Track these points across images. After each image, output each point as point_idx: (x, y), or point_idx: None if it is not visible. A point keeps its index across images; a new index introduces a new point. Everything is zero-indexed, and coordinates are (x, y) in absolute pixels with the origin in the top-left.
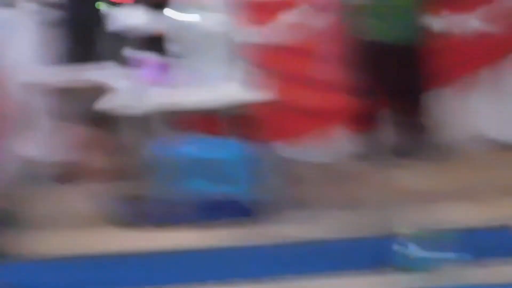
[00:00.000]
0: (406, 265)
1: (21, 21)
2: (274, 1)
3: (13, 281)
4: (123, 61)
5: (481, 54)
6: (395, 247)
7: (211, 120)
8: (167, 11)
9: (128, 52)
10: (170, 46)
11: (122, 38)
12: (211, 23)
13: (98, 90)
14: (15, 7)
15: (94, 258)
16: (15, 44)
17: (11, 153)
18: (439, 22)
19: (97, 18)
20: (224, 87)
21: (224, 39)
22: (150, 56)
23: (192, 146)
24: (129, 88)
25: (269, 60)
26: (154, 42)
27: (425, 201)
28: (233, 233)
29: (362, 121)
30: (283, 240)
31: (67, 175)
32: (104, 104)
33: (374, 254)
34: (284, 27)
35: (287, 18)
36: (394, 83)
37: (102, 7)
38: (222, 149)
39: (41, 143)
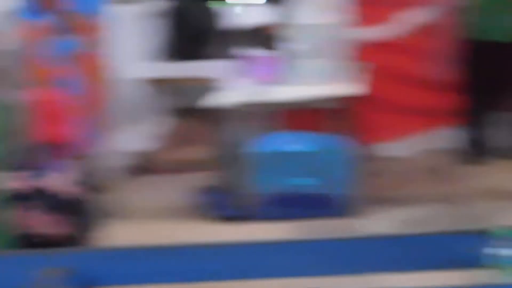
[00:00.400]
0: (495, 264)
1: (133, 17)
2: None
3: (96, 269)
4: (233, 58)
5: None
6: (484, 245)
7: (317, 116)
8: (278, 9)
9: (238, 49)
10: (280, 43)
11: (233, 35)
12: (324, 21)
13: (211, 86)
14: (133, 4)
15: (173, 249)
16: (125, 39)
17: (113, 146)
18: None
19: (209, 15)
20: (330, 83)
21: (337, 37)
22: (263, 54)
23: (287, 140)
24: (241, 85)
25: (374, 57)
26: (264, 39)
27: None
28: (319, 227)
29: (465, 119)
30: (369, 235)
31: (165, 167)
32: (214, 100)
33: (463, 251)
34: (395, 24)
35: (398, 15)
36: (502, 81)
37: (215, 4)
38: (321, 144)
39: (149, 136)
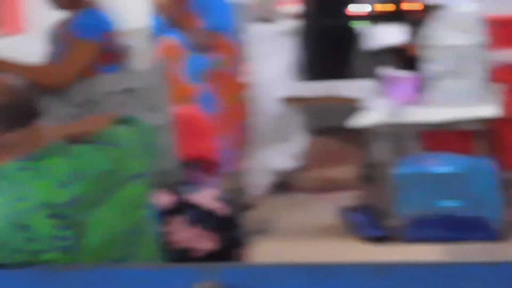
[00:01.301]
0: None
1: (278, 36)
2: None
3: (249, 284)
4: (378, 79)
5: None
6: None
7: (459, 138)
8: (423, 30)
9: (383, 69)
10: (425, 65)
11: (378, 56)
12: (465, 42)
13: (351, 106)
14: (273, 23)
15: (325, 268)
16: (271, 58)
17: (264, 164)
18: None
19: (353, 36)
20: (475, 105)
21: (477, 58)
22: (404, 74)
23: (433, 162)
24: (382, 105)
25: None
26: (408, 60)
27: None
28: (474, 251)
29: None
30: None
31: (309, 186)
32: (356, 120)
33: None
34: None
35: None
36: None
37: (358, 25)
38: (468, 165)
39: (292, 155)
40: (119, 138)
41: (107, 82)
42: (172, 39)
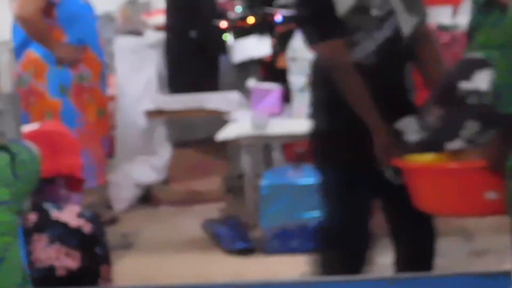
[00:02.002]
0: None
1: (144, 48)
2: None
3: None
4: (243, 91)
5: None
6: None
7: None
8: (288, 43)
9: (248, 81)
10: (290, 77)
11: (243, 68)
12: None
13: (217, 118)
14: (140, 35)
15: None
16: (136, 71)
17: (128, 177)
18: None
19: (222, 48)
20: None
21: None
22: (269, 86)
23: (302, 174)
24: (247, 117)
25: None
26: (274, 72)
27: None
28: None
29: None
30: None
31: (173, 198)
32: (222, 132)
33: None
34: None
35: None
36: None
37: (228, 38)
38: None
39: (156, 168)
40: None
41: None
42: (35, 53)
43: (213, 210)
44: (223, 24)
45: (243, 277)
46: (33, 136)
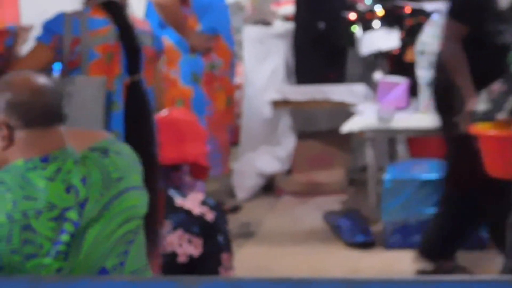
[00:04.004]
0: None
1: (272, 38)
2: None
3: None
4: (369, 83)
5: None
6: None
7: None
8: (416, 36)
9: (375, 74)
10: (417, 71)
11: (370, 61)
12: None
13: (341, 110)
14: (268, 25)
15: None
16: (263, 61)
17: (251, 166)
18: None
19: (350, 40)
20: None
21: None
22: (396, 80)
23: (426, 169)
24: (372, 110)
25: None
26: (401, 66)
27: None
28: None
29: None
30: None
31: (302, 190)
32: (346, 124)
33: None
34: None
35: None
36: None
37: (356, 30)
38: None
39: (279, 158)
40: (121, 150)
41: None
42: (168, 40)
43: (334, 202)
44: (352, 16)
45: (360, 271)
46: (161, 123)
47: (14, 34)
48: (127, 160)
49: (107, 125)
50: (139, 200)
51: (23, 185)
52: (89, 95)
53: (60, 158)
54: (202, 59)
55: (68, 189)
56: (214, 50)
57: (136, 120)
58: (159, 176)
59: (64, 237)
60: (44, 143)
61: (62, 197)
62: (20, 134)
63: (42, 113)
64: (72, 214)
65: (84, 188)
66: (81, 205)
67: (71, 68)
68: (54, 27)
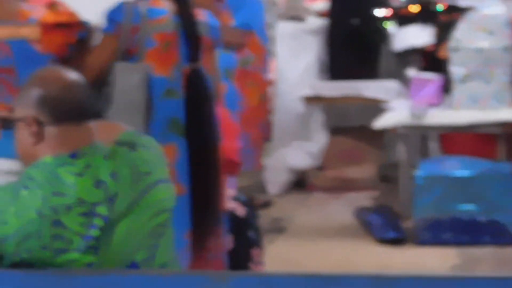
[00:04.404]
0: None
1: (305, 34)
2: None
3: None
4: (402, 80)
5: None
6: None
7: (481, 141)
8: (450, 32)
9: (408, 71)
10: (450, 67)
11: (403, 57)
12: (492, 45)
13: (374, 106)
14: (302, 21)
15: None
16: (296, 56)
17: (283, 162)
18: None
19: (383, 36)
20: (499, 109)
21: (503, 61)
22: (429, 76)
23: (458, 166)
24: (405, 106)
25: None
26: (434, 62)
27: None
28: (490, 255)
29: None
30: None
31: (333, 185)
32: (378, 120)
33: None
34: None
35: None
36: None
37: (389, 26)
38: (487, 169)
39: (311, 153)
40: (147, 143)
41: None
42: None
43: (365, 198)
44: (386, 12)
45: (391, 267)
46: None
47: (88, 29)
48: (154, 154)
49: (150, 113)
50: (167, 193)
51: (52, 181)
52: (131, 82)
53: (89, 154)
54: (235, 55)
55: (97, 184)
56: (248, 46)
57: (198, 107)
58: (220, 163)
59: (94, 232)
60: (74, 139)
61: (91, 192)
62: (50, 130)
63: (72, 109)
64: (102, 209)
65: (114, 183)
66: (111, 200)
67: (129, 56)
68: (115, 16)
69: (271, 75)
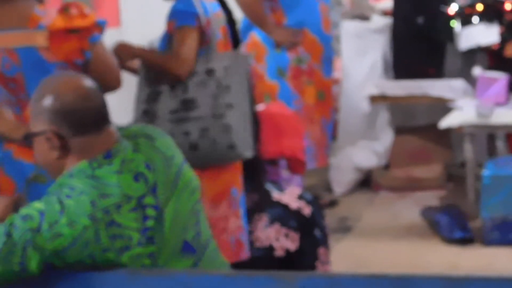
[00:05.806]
0: None
1: (370, 33)
2: None
3: None
4: (471, 79)
5: None
6: None
7: None
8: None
9: (474, 70)
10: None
11: (470, 56)
12: None
13: (440, 105)
14: (367, 20)
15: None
16: (362, 56)
17: (349, 161)
18: None
19: (449, 35)
20: None
21: None
22: (496, 75)
23: None
24: (472, 106)
25: None
26: (501, 61)
27: None
28: None
29: None
30: None
31: (399, 185)
32: (445, 119)
33: None
34: None
35: None
36: None
37: (455, 24)
38: None
39: (377, 153)
40: (155, 131)
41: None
42: (257, 36)
43: (432, 198)
44: (451, 10)
45: (459, 267)
46: (259, 117)
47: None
48: (168, 139)
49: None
50: (192, 172)
51: (95, 185)
52: (236, 71)
53: (120, 151)
54: (288, 53)
55: (136, 178)
56: (301, 44)
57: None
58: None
59: (149, 223)
60: (101, 144)
61: (134, 187)
62: (74, 142)
63: (93, 118)
64: (149, 199)
65: (151, 173)
66: (153, 190)
67: (200, 48)
68: (191, 9)
69: (336, 74)
